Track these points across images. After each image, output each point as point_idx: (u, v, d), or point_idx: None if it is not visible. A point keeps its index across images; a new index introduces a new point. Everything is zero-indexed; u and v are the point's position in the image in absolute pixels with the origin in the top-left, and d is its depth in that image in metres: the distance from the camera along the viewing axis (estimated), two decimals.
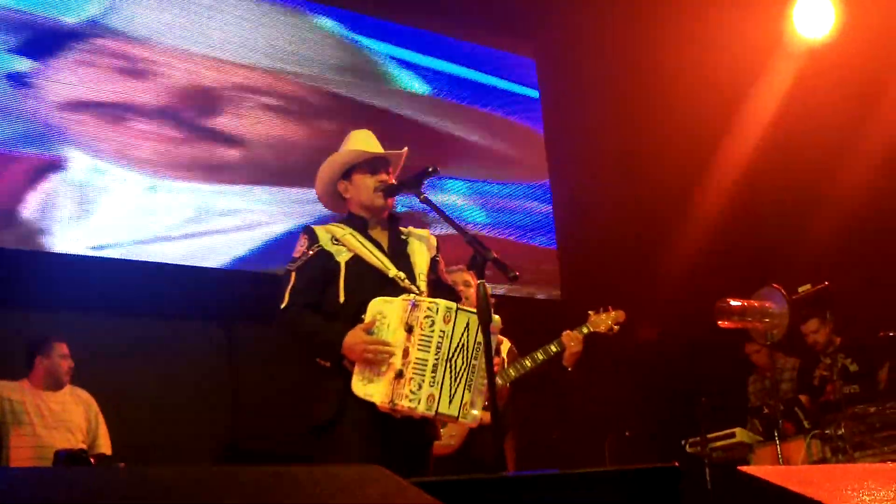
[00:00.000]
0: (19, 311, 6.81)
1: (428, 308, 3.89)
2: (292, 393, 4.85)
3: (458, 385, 3.88)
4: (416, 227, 4.43)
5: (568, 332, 5.82)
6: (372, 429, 3.92)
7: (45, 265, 6.96)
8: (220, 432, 7.48)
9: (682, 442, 7.74)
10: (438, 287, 4.28)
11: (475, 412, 3.97)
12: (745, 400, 8.45)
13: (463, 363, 3.90)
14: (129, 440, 6.64)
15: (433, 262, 4.33)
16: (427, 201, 4.10)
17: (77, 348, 6.61)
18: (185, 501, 1.91)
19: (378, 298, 3.97)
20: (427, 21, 9.40)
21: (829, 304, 7.15)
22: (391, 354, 3.87)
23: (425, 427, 4.08)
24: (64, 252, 7.06)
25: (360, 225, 4.25)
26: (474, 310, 3.85)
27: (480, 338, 3.84)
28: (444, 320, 3.88)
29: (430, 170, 4.13)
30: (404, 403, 3.80)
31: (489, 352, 3.71)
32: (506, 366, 5.63)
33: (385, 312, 3.94)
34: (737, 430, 7.59)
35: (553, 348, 5.77)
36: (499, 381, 5.40)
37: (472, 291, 5.22)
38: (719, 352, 8.60)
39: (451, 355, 3.87)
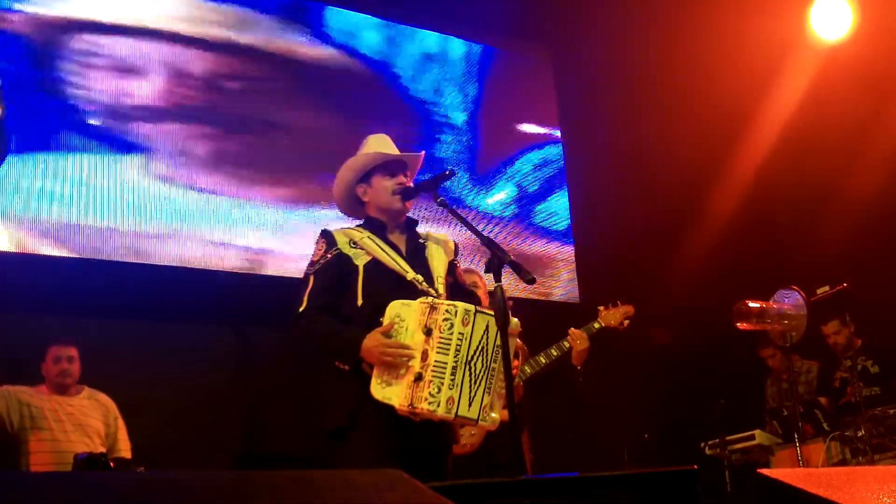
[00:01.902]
0: (37, 316, 6.83)
1: (446, 311, 3.88)
2: (308, 397, 4.85)
3: (477, 388, 3.87)
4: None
5: (573, 329, 5.83)
6: (388, 434, 3.90)
7: (61, 269, 6.98)
8: (235, 436, 7.49)
9: (701, 444, 7.72)
10: (456, 290, 4.27)
11: (494, 415, 3.96)
12: (762, 402, 8.43)
13: (482, 366, 3.89)
14: (146, 444, 6.65)
15: (451, 266, 4.32)
16: (444, 204, 4.11)
17: (94, 352, 6.62)
18: None
19: (396, 301, 3.96)
20: (438, 23, 9.40)
21: (848, 305, 7.11)
22: (410, 357, 3.86)
23: (443, 432, 4.07)
24: (80, 256, 7.09)
25: (377, 228, 4.26)
26: (492, 311, 3.86)
27: (499, 341, 3.83)
28: (463, 323, 3.86)
29: (448, 172, 4.14)
30: (424, 406, 3.79)
31: (507, 354, 3.71)
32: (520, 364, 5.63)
33: (403, 315, 3.93)
34: (756, 432, 7.56)
35: (566, 344, 5.79)
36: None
37: (480, 293, 5.24)
38: (737, 353, 8.57)
39: (470, 358, 3.86)
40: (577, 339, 5.79)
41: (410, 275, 4.10)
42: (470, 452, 5.57)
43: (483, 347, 3.89)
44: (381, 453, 3.84)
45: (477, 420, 3.89)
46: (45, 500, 1.82)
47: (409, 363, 3.84)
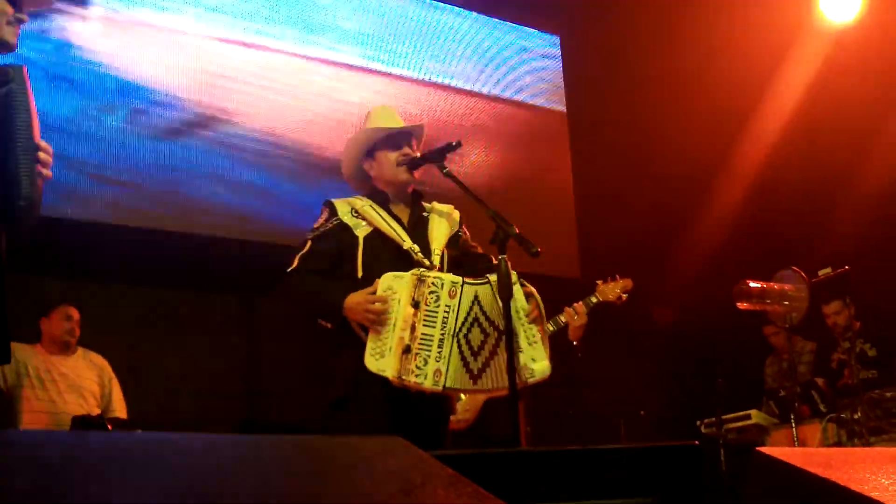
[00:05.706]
0: (37, 278, 6.81)
1: (432, 283, 3.89)
2: (309, 367, 4.85)
3: (491, 356, 3.89)
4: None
5: (567, 308, 5.82)
6: (387, 405, 3.92)
7: (64, 232, 6.95)
8: (236, 405, 7.50)
9: (697, 422, 7.74)
10: (462, 261, 4.25)
11: (540, 364, 3.96)
12: (761, 382, 8.43)
13: (481, 335, 3.89)
14: (146, 410, 6.66)
15: (455, 237, 4.30)
16: (450, 175, 4.09)
17: (95, 317, 6.62)
18: (204, 467, 1.91)
19: (389, 274, 3.94)
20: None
21: (849, 288, 7.11)
22: (387, 311, 3.85)
23: (439, 403, 4.09)
24: (83, 219, 7.06)
25: (381, 199, 4.24)
26: (483, 280, 3.86)
27: (497, 306, 3.83)
28: (450, 295, 3.88)
29: (454, 143, 4.12)
30: (411, 379, 3.81)
31: (510, 328, 3.70)
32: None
33: (395, 288, 3.91)
34: (752, 411, 7.59)
35: (562, 319, 5.79)
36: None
37: None
38: (736, 333, 8.57)
39: (458, 330, 3.87)
40: (573, 315, 5.78)
41: (407, 244, 4.09)
42: (464, 428, 5.58)
43: (476, 318, 3.90)
44: (381, 422, 3.86)
45: (490, 388, 3.95)
46: (45, 458, 1.81)
47: (401, 334, 3.84)
